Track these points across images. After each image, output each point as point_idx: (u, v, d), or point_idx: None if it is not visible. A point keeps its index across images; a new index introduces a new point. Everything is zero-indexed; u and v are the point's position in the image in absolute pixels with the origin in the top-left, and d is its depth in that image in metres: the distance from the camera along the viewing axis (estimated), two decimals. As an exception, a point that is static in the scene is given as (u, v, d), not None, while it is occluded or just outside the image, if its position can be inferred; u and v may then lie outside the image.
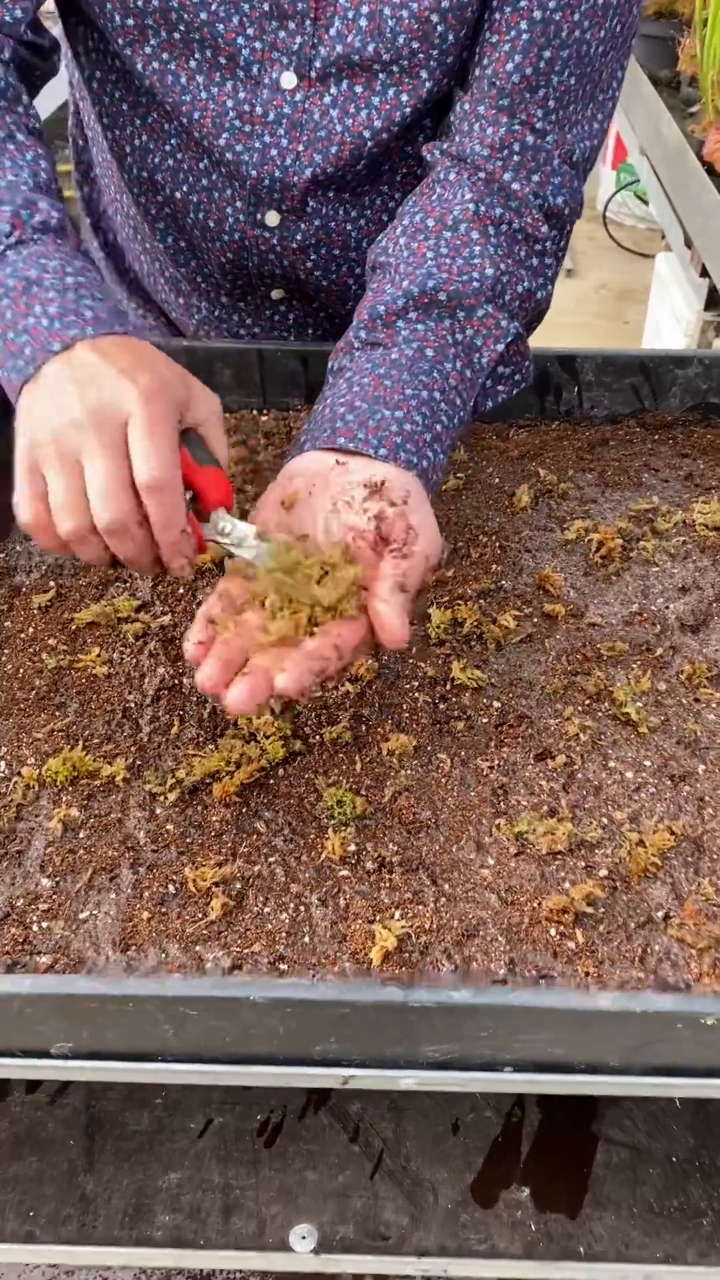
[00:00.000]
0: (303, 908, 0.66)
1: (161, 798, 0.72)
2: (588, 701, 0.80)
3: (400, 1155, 0.76)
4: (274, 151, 0.92)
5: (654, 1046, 0.57)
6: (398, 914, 0.65)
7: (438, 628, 0.84)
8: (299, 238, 0.99)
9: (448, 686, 0.80)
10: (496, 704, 0.79)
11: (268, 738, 0.75)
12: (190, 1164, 0.75)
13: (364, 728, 0.77)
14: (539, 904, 0.66)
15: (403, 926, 0.64)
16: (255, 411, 1.09)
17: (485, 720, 0.78)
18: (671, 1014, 0.55)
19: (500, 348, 0.84)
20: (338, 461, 0.74)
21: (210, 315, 1.09)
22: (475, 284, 0.82)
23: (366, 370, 0.80)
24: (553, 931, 0.65)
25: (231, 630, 0.66)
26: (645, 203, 3.89)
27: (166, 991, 0.54)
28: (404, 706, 0.79)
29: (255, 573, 0.69)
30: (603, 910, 0.66)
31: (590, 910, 0.66)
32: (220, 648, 0.65)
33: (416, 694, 0.80)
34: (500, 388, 0.88)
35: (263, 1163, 0.75)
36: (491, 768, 0.74)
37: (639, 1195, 0.74)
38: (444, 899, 0.66)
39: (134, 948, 0.63)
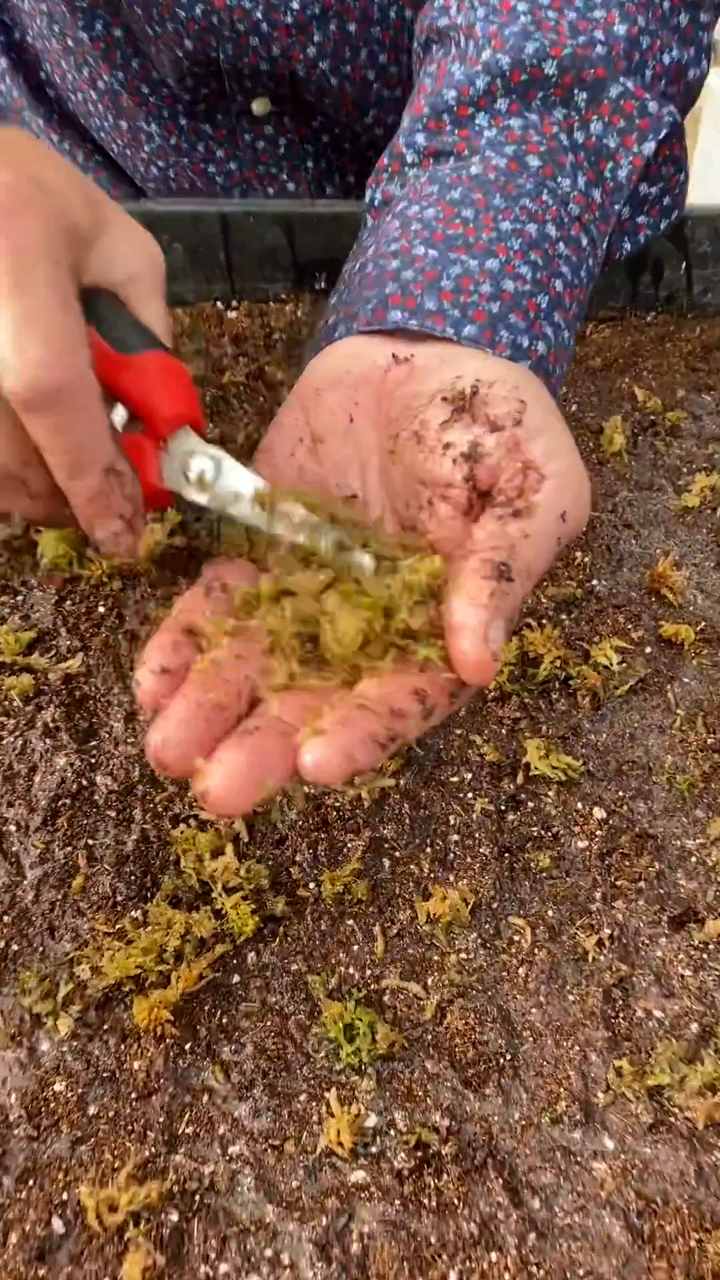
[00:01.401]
0: (282, 1259, 0.37)
1: (48, 1024, 0.43)
2: (744, 803, 0.50)
3: None
4: None
5: None
6: (453, 1273, 0.37)
7: (500, 671, 0.54)
8: (295, 5, 0.64)
9: (519, 780, 0.50)
10: (599, 812, 0.49)
11: (231, 893, 0.46)
12: None
13: (386, 864, 0.48)
14: (698, 1244, 0.38)
15: (463, 1309, 0.36)
16: (219, 304, 0.76)
17: (583, 844, 0.48)
18: None
19: (648, 149, 0.49)
20: (396, 357, 0.41)
21: (165, 144, 0.74)
22: (601, 47, 0.48)
23: (431, 196, 0.46)
24: (729, 1306, 0.36)
25: (224, 653, 0.35)
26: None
27: None
28: (450, 821, 0.49)
29: (264, 552, 0.39)
30: None
31: None
32: (198, 682, 0.33)
33: (469, 795, 0.50)
34: (643, 219, 0.54)
35: None
36: (600, 943, 0.45)
37: None
38: (533, 1231, 0.38)
39: None
